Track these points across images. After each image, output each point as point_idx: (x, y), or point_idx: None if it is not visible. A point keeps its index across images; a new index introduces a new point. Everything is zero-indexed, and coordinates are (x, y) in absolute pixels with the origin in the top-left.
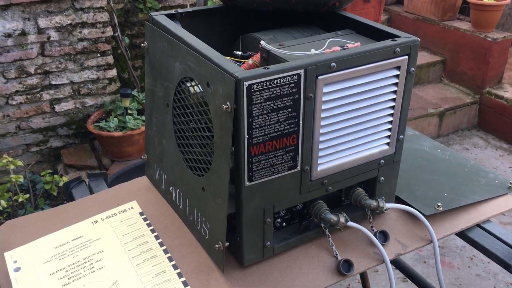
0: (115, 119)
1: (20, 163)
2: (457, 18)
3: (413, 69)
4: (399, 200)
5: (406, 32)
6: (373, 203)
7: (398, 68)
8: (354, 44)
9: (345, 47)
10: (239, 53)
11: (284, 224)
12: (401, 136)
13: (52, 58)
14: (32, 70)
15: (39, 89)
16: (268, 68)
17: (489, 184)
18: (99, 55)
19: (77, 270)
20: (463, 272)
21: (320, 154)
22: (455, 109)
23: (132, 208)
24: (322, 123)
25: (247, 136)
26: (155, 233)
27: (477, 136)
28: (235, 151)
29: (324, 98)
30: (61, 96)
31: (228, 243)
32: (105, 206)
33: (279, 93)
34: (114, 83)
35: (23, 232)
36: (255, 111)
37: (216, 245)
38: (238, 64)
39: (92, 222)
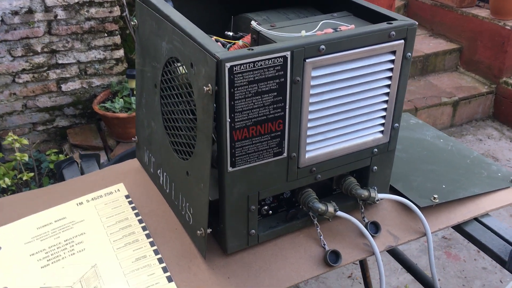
0: (121, 100)
1: (25, 141)
2: (476, 5)
3: (409, 54)
4: (393, 191)
5: (423, 19)
6: (364, 193)
7: (394, 52)
8: (348, 27)
9: (338, 30)
10: (231, 33)
11: (271, 212)
12: (396, 125)
13: (59, 37)
14: (39, 49)
15: (46, 68)
16: (252, 49)
17: (490, 177)
18: (106, 35)
19: (57, 252)
20: (469, 265)
21: (308, 140)
22: (470, 98)
23: (118, 190)
24: (311, 108)
25: (229, 120)
26: (139, 217)
27: (491, 127)
28: (218, 135)
29: (313, 83)
30: (67, 75)
31: (211, 230)
32: (93, 187)
33: (263, 76)
34: (121, 64)
35: (8, 212)
36: (238, 94)
37: (198, 231)
38: (229, 45)
39: (77, 204)
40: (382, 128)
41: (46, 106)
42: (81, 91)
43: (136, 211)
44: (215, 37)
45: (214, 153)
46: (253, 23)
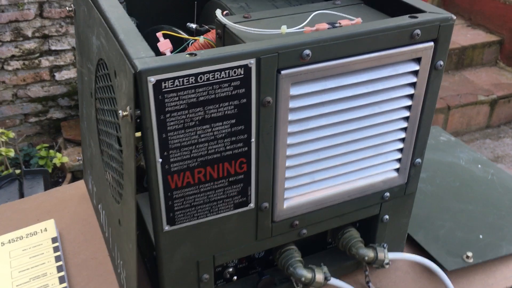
0: None
1: (12, 135)
2: None
3: (441, 63)
4: (412, 243)
5: (461, 7)
6: (369, 253)
7: (418, 60)
8: (353, 20)
9: (337, 25)
10: (194, 26)
11: (236, 277)
12: (418, 160)
13: (52, 20)
14: (29, 33)
15: (38, 55)
16: (194, 55)
17: None
18: None
19: None
20: None
21: (287, 185)
22: (510, 97)
23: (45, 230)
24: (290, 141)
25: (160, 159)
26: (62, 273)
27: None
28: (148, 180)
29: (293, 105)
30: (61, 63)
31: None
32: (21, 220)
33: (214, 96)
34: None
35: None
36: (173, 123)
37: None
38: (189, 42)
39: None
40: (397, 166)
41: (38, 96)
42: (77, 81)
43: (60, 263)
44: (173, 32)
45: None
46: (218, 12)
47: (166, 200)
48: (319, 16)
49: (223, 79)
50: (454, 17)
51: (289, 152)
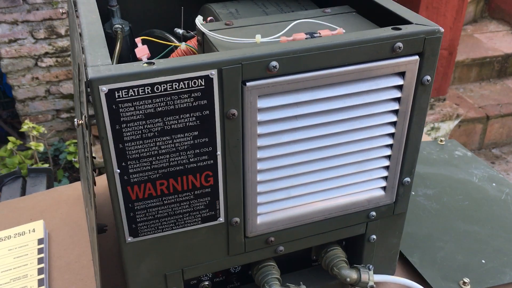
0: None
1: (41, 129)
2: None
3: (428, 78)
4: (406, 265)
5: (506, 13)
6: (352, 274)
7: (402, 75)
8: (334, 31)
9: (316, 35)
10: (181, 31)
11: None
12: (407, 179)
13: None
14: (62, 31)
15: (70, 52)
16: (152, 64)
17: None
18: None
19: None
20: None
21: (260, 200)
22: None
23: (33, 231)
24: (261, 155)
25: (118, 170)
26: (42, 275)
27: None
28: (109, 188)
29: (261, 118)
30: None
31: None
32: (14, 219)
33: (173, 107)
34: None
35: None
36: (129, 133)
37: None
38: (171, 48)
39: None
40: (383, 184)
41: (70, 92)
42: None
43: (42, 265)
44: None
45: None
46: (198, 19)
47: (127, 212)
48: (301, 25)
49: (183, 90)
50: (442, 30)
51: (260, 166)
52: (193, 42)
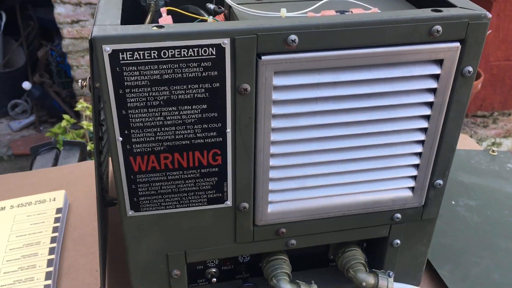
0: None
1: None
2: None
3: (469, 69)
4: (435, 277)
5: None
6: (368, 279)
7: (439, 63)
8: (369, 10)
9: (347, 12)
10: (212, 6)
11: (215, 279)
12: (439, 182)
13: None
14: None
15: None
16: (161, 27)
17: None
18: None
19: None
20: None
21: (272, 187)
22: None
23: (54, 199)
24: (274, 137)
25: (121, 138)
26: (54, 244)
27: None
28: (111, 157)
29: (277, 97)
30: None
31: None
32: (41, 187)
33: (180, 75)
34: None
35: None
36: (133, 99)
37: None
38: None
39: (0, 208)
40: (411, 184)
41: None
42: None
43: (56, 234)
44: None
45: None
46: None
47: (129, 184)
48: (333, 3)
49: (192, 58)
50: (489, 15)
51: (273, 150)
52: (221, 17)
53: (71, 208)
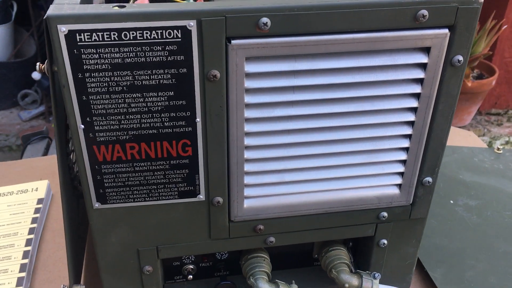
0: None
1: None
2: None
3: (459, 58)
4: (427, 280)
5: None
6: (352, 280)
7: (426, 51)
8: None
9: None
10: None
11: (191, 276)
12: (428, 179)
13: None
14: None
15: None
16: (123, 7)
17: None
18: None
19: None
20: None
21: (247, 181)
22: None
23: (36, 189)
24: (249, 128)
25: (82, 126)
26: (31, 235)
27: None
28: (74, 146)
29: (250, 85)
30: None
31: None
32: (27, 177)
33: (143, 59)
34: None
35: None
36: (94, 84)
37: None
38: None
39: None
40: (398, 181)
41: None
42: None
43: (34, 225)
44: None
45: None
46: None
47: (94, 174)
48: None
49: (155, 41)
50: (481, 0)
51: (247, 141)
52: (200, 1)
53: (54, 198)
